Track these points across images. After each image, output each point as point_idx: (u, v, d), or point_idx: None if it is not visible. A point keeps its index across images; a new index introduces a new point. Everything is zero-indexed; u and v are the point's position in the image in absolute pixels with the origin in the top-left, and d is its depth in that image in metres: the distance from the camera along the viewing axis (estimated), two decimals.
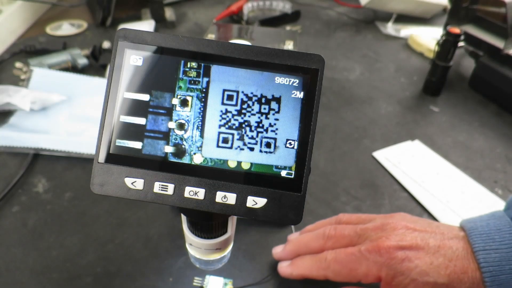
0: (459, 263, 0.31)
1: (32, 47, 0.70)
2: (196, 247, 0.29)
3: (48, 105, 0.57)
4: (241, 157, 0.23)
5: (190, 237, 0.29)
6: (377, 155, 0.54)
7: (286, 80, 0.23)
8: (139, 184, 0.23)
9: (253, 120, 0.23)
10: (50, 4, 0.86)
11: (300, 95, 0.23)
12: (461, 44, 0.68)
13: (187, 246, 0.31)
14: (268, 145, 0.23)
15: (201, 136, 0.23)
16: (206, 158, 0.23)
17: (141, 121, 0.23)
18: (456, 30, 0.61)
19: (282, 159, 0.23)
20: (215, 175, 0.23)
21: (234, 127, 0.23)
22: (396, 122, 0.61)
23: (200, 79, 0.23)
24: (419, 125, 0.61)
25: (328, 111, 0.63)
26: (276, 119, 0.23)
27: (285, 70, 0.23)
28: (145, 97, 0.23)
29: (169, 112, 0.23)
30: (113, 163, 0.23)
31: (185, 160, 0.23)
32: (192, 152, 0.23)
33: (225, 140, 0.23)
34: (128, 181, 0.23)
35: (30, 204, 0.45)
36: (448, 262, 0.31)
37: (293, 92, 0.23)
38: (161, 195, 0.23)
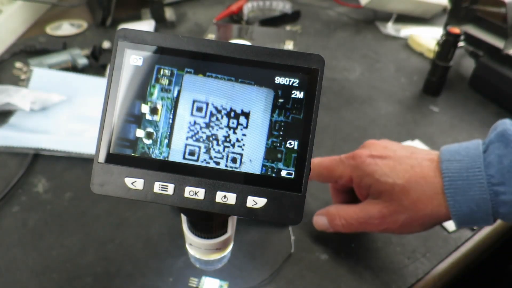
0: (420, 170, 0.35)
1: (32, 47, 0.70)
2: (196, 247, 0.29)
3: (48, 105, 0.57)
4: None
5: (190, 237, 0.29)
6: None
7: (286, 80, 0.23)
8: (139, 184, 0.23)
9: (220, 134, 0.23)
10: (50, 4, 0.86)
11: (300, 95, 0.23)
12: (461, 44, 0.68)
13: (187, 246, 0.31)
14: (234, 160, 0.23)
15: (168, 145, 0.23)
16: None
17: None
18: (456, 30, 0.61)
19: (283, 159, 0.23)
20: (215, 175, 0.23)
21: (201, 139, 0.23)
22: (396, 122, 0.61)
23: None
24: (419, 125, 0.61)
25: (328, 111, 0.63)
26: (244, 135, 0.23)
27: (285, 70, 0.23)
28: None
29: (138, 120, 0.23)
30: (113, 163, 0.23)
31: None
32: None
33: (191, 153, 0.23)
34: (128, 181, 0.23)
35: (30, 204, 0.45)
36: (410, 168, 0.35)
37: (293, 92, 0.23)
38: (161, 195, 0.23)
